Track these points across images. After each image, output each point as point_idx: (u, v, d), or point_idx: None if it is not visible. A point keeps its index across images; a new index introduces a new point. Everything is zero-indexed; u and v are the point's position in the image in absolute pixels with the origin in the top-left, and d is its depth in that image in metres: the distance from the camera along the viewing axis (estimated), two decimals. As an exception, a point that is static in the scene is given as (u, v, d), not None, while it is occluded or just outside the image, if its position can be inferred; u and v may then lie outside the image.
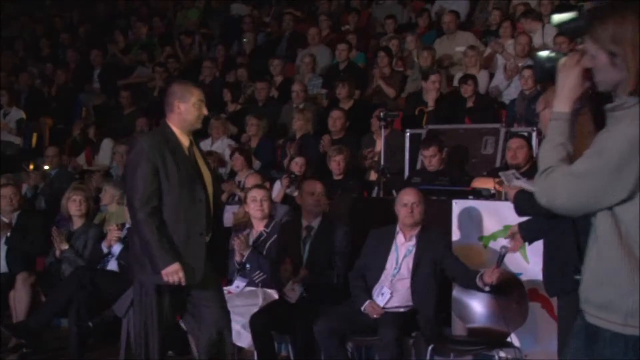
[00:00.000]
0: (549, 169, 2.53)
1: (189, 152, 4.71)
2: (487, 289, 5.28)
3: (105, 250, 6.84)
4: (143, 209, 4.49)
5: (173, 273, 4.49)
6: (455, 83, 9.41)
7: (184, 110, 4.69)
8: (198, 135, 9.60)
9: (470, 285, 5.40)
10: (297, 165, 7.82)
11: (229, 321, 4.85)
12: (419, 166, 7.54)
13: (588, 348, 2.56)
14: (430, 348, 5.33)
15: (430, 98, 8.60)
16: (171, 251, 4.50)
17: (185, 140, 4.72)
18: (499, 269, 5.14)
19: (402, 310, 5.51)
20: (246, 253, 6.14)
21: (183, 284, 4.52)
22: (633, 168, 2.40)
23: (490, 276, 5.17)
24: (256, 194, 6.36)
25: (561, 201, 2.51)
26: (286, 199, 7.46)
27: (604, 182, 2.42)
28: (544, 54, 2.82)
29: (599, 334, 2.51)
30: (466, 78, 8.64)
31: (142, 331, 4.64)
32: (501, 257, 5.11)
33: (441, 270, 5.55)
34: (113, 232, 6.77)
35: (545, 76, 2.78)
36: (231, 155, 8.51)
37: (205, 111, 4.78)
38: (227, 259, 5.04)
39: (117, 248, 6.73)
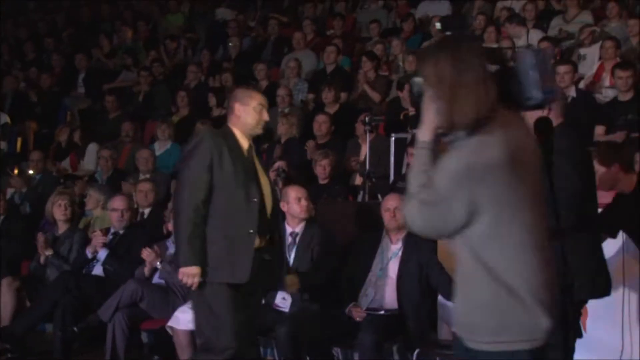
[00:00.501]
0: (410, 195, 2.65)
1: (248, 155, 4.70)
2: None
3: (89, 255, 6.83)
4: (188, 201, 4.46)
5: (189, 275, 4.43)
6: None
7: (244, 114, 4.69)
8: (184, 139, 9.70)
9: (452, 298, 5.40)
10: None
11: (252, 339, 4.79)
12: (404, 170, 7.56)
13: None
14: (416, 352, 5.34)
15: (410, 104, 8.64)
16: (199, 253, 4.44)
17: (245, 143, 4.72)
18: None
19: (385, 312, 5.53)
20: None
21: (193, 289, 4.46)
22: (460, 199, 2.53)
23: None
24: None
25: (417, 226, 2.66)
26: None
27: (440, 212, 2.57)
28: (418, 79, 2.87)
29: (474, 356, 2.59)
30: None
31: (209, 327, 4.51)
32: None
33: (426, 276, 5.58)
34: (98, 238, 6.77)
35: (418, 101, 2.83)
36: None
37: (266, 116, 4.77)
38: (281, 268, 4.94)
39: (102, 254, 6.72)
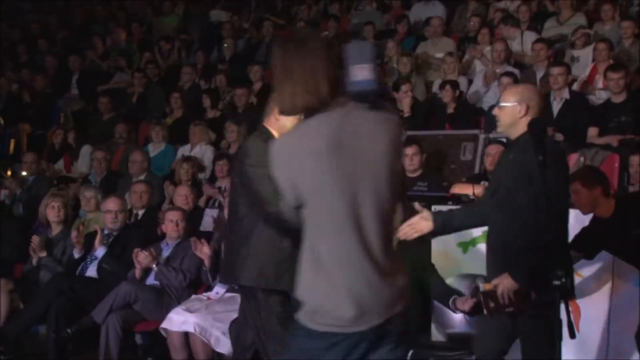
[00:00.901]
0: None
1: None
2: (457, 312, 5.30)
3: (76, 255, 6.83)
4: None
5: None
6: (435, 89, 9.46)
7: (283, 118, 4.55)
8: (178, 141, 9.69)
9: (443, 302, 5.41)
10: None
11: None
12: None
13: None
14: (410, 353, 5.33)
15: (405, 105, 8.65)
16: None
17: None
18: (473, 300, 5.11)
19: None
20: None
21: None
22: (284, 182, 2.74)
23: (463, 304, 5.17)
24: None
25: None
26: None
27: (282, 195, 2.81)
28: None
29: (296, 325, 2.77)
30: (445, 83, 8.67)
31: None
32: (475, 288, 5.09)
33: (418, 277, 5.56)
34: (73, 237, 6.80)
35: None
36: (215, 160, 8.48)
37: None
38: None
39: (100, 251, 6.71)
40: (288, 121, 4.59)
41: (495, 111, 4.42)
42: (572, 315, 4.20)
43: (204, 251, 6.18)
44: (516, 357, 5.41)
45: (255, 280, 4.38)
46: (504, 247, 4.24)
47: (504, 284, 4.13)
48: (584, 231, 5.02)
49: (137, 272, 6.44)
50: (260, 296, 4.37)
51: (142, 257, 6.35)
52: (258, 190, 4.34)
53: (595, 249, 5.01)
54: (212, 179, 8.51)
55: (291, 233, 4.23)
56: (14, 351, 6.56)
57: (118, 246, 6.80)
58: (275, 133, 4.59)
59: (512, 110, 4.29)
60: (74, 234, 6.86)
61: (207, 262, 6.21)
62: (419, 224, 4.37)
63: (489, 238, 4.43)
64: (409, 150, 7.18)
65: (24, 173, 9.70)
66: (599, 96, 8.38)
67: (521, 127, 4.23)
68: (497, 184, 4.37)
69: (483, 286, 4.25)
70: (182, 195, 7.57)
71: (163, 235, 6.82)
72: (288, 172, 2.71)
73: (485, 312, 4.28)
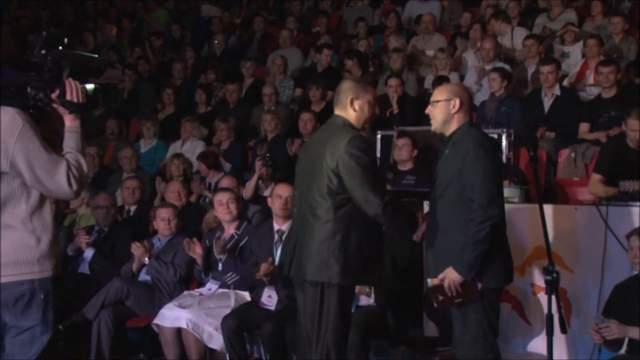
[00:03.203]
0: None
1: None
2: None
3: (70, 253, 6.80)
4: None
5: None
6: (426, 85, 9.46)
7: (359, 106, 4.54)
8: (169, 137, 9.67)
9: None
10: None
11: None
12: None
13: None
14: (402, 348, 5.35)
15: (392, 100, 8.67)
16: None
17: None
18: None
19: (369, 307, 5.54)
20: (224, 257, 6.15)
21: None
22: None
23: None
24: (221, 198, 6.34)
25: None
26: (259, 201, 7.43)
27: None
28: None
29: None
30: (440, 80, 8.65)
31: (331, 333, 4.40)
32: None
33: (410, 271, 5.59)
34: (81, 237, 6.74)
35: None
36: (203, 160, 8.46)
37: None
38: None
39: (89, 253, 6.68)
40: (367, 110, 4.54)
41: (428, 109, 4.48)
42: (563, 311, 4.24)
43: (196, 251, 6.18)
44: (518, 351, 5.45)
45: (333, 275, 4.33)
46: (442, 243, 4.30)
47: (449, 276, 4.22)
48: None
49: (134, 266, 6.43)
50: (319, 290, 4.35)
51: (134, 248, 6.34)
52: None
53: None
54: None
55: None
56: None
57: (109, 243, 6.79)
58: (354, 123, 4.51)
59: (446, 106, 4.38)
60: (84, 237, 6.79)
61: (199, 261, 6.22)
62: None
63: (427, 236, 4.48)
64: (400, 142, 7.21)
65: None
66: (589, 92, 8.40)
67: (455, 123, 4.37)
68: (434, 181, 4.42)
69: (431, 282, 4.35)
70: (174, 191, 7.54)
71: (155, 232, 6.81)
72: None
73: (435, 305, 4.35)
